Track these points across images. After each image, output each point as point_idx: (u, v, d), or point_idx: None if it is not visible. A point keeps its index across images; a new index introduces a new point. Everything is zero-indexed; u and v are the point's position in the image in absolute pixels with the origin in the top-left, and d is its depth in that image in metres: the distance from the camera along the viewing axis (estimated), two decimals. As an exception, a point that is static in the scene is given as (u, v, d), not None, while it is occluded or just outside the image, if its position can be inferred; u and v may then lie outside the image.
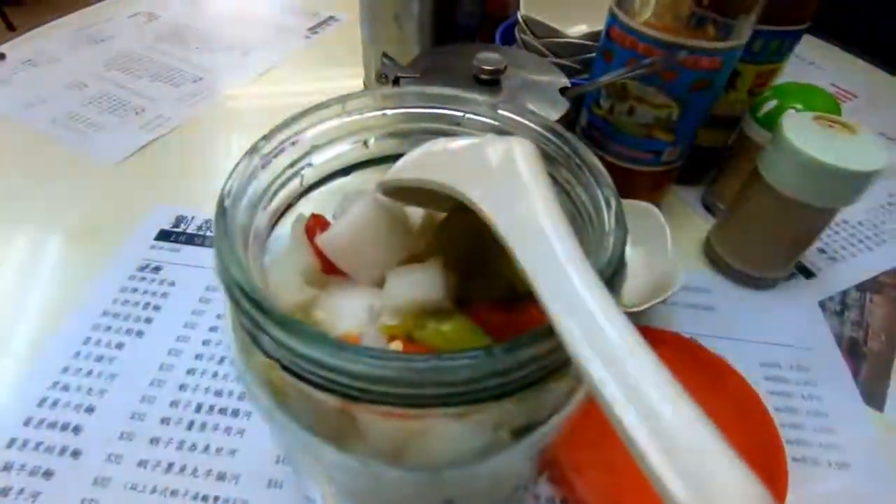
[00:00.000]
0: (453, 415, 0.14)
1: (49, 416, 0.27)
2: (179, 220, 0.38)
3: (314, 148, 0.18)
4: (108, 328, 0.31)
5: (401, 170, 0.16)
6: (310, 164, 0.18)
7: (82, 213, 0.38)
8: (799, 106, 0.34)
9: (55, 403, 0.28)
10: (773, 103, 0.35)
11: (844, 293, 0.37)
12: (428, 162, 0.16)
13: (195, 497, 0.25)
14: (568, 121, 0.35)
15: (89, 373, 0.29)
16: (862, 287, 0.38)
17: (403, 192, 0.17)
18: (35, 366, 0.29)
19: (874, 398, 0.31)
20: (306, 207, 0.19)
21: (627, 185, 0.34)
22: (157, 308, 0.33)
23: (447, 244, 0.18)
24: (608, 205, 0.15)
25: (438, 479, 0.15)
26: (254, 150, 0.16)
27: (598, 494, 0.25)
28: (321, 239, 0.17)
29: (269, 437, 0.27)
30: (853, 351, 0.34)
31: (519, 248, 0.12)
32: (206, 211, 0.38)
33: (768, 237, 0.34)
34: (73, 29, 0.58)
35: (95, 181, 0.41)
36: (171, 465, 0.26)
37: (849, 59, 0.64)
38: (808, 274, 0.38)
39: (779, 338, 0.34)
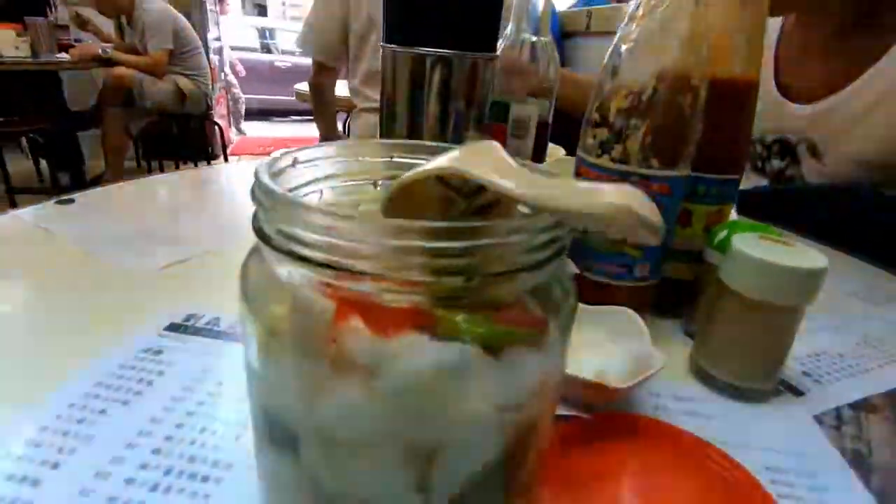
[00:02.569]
0: (426, 328, 0.15)
1: (10, 469, 0.26)
2: (189, 317, 0.41)
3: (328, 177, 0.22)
4: (97, 396, 0.31)
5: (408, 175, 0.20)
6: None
7: (110, 309, 0.42)
8: (747, 232, 0.40)
9: (20, 457, 0.27)
10: (724, 232, 0.41)
11: (838, 409, 0.37)
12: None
13: (141, 557, 0.22)
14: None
15: (65, 433, 0.29)
16: (855, 406, 0.37)
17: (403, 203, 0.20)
18: (12, 422, 0.29)
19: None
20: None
21: (610, 302, 0.37)
22: (149, 383, 0.33)
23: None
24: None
25: (412, 414, 0.16)
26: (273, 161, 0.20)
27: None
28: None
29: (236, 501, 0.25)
30: (859, 462, 0.32)
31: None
32: (213, 311, 0.41)
33: (743, 343, 0.36)
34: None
35: (129, 286, 0.45)
36: (124, 523, 0.24)
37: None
38: (797, 392, 0.38)
39: (778, 446, 0.33)
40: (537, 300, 0.18)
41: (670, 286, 0.46)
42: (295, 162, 0.20)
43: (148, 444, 0.28)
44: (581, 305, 0.37)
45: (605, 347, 0.34)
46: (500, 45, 0.61)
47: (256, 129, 5.07)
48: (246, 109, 4.62)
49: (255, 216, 0.17)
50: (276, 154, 0.20)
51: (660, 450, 0.30)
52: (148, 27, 2.50)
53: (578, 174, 0.40)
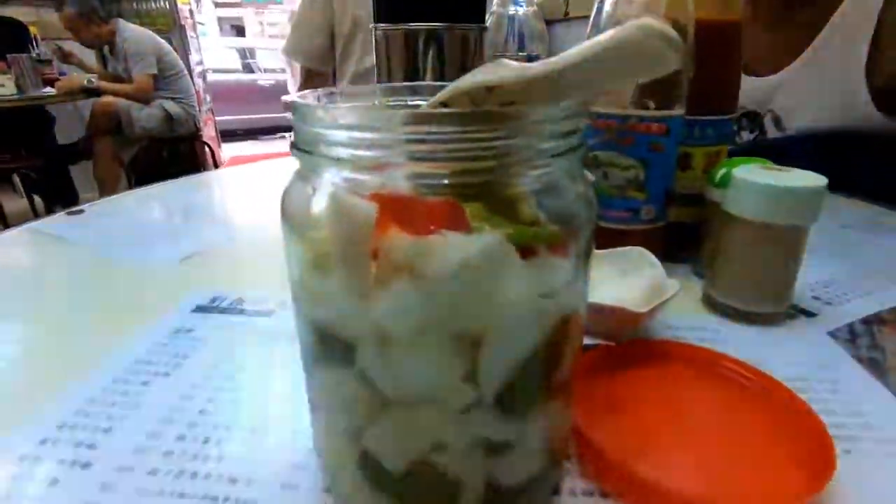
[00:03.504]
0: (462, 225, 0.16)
1: (66, 436, 0.27)
2: (214, 299, 0.42)
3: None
4: (137, 372, 0.32)
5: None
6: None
7: (136, 299, 0.43)
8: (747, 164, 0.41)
9: (74, 426, 0.28)
10: (724, 170, 0.42)
11: (851, 325, 0.38)
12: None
13: (204, 497, 0.23)
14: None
15: (112, 404, 0.30)
16: (867, 321, 0.38)
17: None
18: (57, 400, 0.30)
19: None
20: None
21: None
22: (185, 356, 0.34)
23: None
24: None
25: (456, 303, 0.17)
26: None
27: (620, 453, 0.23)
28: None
29: (287, 445, 0.26)
30: (876, 368, 0.33)
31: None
32: (236, 293, 0.42)
33: (753, 268, 0.37)
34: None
35: (151, 279, 0.46)
36: (181, 472, 0.25)
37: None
38: (809, 314, 0.40)
39: (799, 359, 0.34)
40: (558, 202, 0.19)
41: (676, 231, 0.47)
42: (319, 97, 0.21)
43: (193, 406, 0.29)
44: (594, 251, 0.38)
45: (621, 282, 0.35)
46: (489, 17, 0.62)
47: (247, 149, 5.08)
48: (233, 131, 4.63)
49: (293, 140, 0.18)
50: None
51: (683, 367, 0.31)
52: (130, 54, 2.51)
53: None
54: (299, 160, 0.19)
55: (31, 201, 2.97)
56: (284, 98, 0.18)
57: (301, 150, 0.17)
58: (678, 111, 0.39)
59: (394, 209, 0.17)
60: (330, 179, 0.18)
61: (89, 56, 2.87)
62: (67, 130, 2.93)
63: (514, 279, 0.17)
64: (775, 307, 0.38)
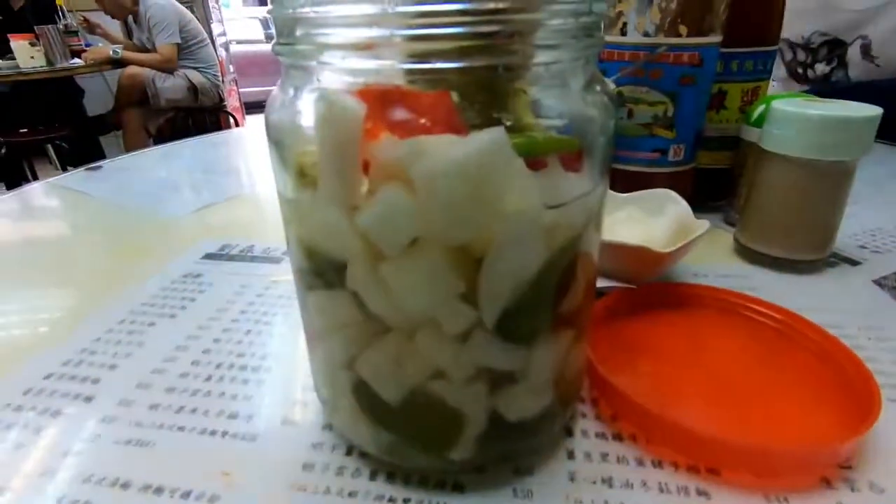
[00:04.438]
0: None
1: (71, 371, 0.27)
2: (224, 247, 0.41)
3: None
4: (144, 313, 0.32)
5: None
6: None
7: (148, 248, 0.42)
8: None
9: (79, 363, 0.28)
10: (762, 107, 0.39)
11: (899, 273, 0.35)
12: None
13: (203, 432, 0.23)
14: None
15: (118, 342, 0.29)
16: (917, 269, 0.35)
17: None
18: (57, 343, 0.30)
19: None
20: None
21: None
22: (192, 300, 0.34)
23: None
24: None
25: (451, 208, 0.15)
26: None
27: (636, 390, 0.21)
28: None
29: (286, 386, 0.26)
30: (927, 316, 0.30)
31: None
32: (246, 241, 0.42)
33: (790, 211, 0.34)
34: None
35: (164, 229, 0.46)
36: (182, 408, 0.24)
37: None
38: (853, 263, 0.36)
39: (839, 306, 0.31)
40: (568, 105, 0.17)
41: (707, 176, 0.44)
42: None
43: (198, 346, 0.29)
44: (616, 194, 0.36)
45: (645, 222, 0.32)
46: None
47: (270, 120, 5.09)
48: (258, 102, 4.64)
49: (275, 42, 0.16)
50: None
51: (709, 310, 0.29)
52: (154, 24, 2.51)
53: (601, 60, 0.38)
54: (282, 58, 0.17)
55: (66, 171, 3.06)
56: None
57: (282, 44, 0.16)
58: (714, 38, 0.36)
59: (384, 106, 0.15)
60: (315, 77, 0.16)
61: (114, 27, 2.88)
62: (96, 102, 2.98)
63: (518, 185, 0.15)
64: (816, 254, 0.35)
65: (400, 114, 0.15)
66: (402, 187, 0.15)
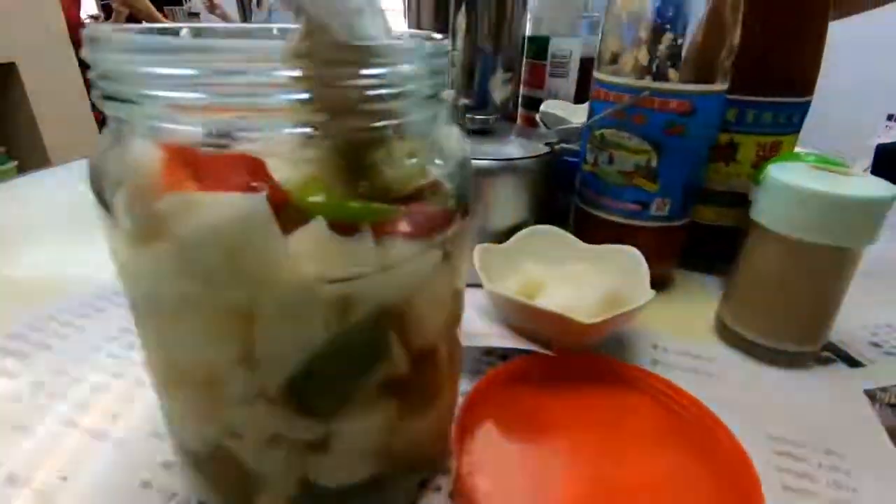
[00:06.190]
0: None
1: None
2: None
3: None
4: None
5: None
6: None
7: None
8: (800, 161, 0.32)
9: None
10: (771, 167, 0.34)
11: (905, 387, 0.29)
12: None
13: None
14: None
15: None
16: (933, 386, 0.29)
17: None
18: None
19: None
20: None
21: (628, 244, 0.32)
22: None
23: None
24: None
25: (206, 270, 0.14)
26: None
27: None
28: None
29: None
30: (917, 449, 0.25)
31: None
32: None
33: (773, 292, 0.29)
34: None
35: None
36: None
37: None
38: (852, 363, 0.31)
39: (803, 418, 0.26)
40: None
41: (708, 234, 0.39)
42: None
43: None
44: (581, 244, 0.33)
45: (594, 283, 0.29)
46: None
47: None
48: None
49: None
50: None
51: (618, 392, 0.26)
52: (274, 5, 2.69)
53: (594, 98, 0.35)
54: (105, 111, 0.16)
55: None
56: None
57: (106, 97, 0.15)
58: (715, 87, 0.31)
59: (186, 161, 0.15)
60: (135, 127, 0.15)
61: (231, 8, 3.12)
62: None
63: (277, 254, 0.14)
64: (801, 346, 0.30)
65: (203, 167, 0.15)
66: (165, 243, 0.14)
